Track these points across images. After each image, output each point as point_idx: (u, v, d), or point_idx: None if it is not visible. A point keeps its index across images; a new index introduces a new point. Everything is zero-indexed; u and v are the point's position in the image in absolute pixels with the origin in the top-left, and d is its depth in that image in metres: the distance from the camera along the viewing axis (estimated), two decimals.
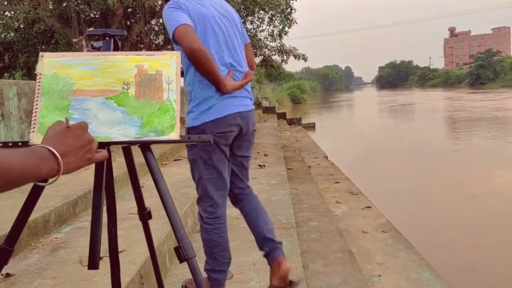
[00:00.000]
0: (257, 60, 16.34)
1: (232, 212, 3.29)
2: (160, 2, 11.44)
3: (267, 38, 15.71)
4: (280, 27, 15.08)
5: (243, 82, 1.87)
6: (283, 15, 14.56)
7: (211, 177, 1.83)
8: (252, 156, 6.44)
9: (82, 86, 0.97)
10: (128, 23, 12.22)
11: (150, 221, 1.20)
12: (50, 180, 0.76)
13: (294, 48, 16.13)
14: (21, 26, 12.37)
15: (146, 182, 3.09)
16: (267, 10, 14.25)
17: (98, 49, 1.04)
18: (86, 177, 3.36)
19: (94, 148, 0.82)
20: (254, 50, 15.19)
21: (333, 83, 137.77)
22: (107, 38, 1.04)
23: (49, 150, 0.73)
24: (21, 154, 0.67)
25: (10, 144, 0.96)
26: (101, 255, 0.98)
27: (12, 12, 11.30)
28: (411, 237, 3.85)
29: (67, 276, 1.77)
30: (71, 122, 0.80)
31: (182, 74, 1.93)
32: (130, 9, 12.07)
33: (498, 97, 31.73)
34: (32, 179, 0.70)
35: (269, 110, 19.22)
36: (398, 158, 11.05)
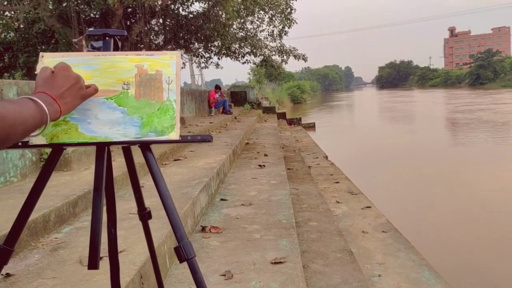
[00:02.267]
0: (257, 60, 16.36)
1: (232, 212, 3.30)
2: (160, 2, 11.44)
3: (267, 38, 15.73)
4: (280, 27, 15.09)
5: None
6: (283, 15, 14.57)
7: None
8: (252, 156, 6.46)
9: None
10: (128, 23, 12.22)
11: (150, 221, 1.20)
12: (51, 123, 0.80)
13: (294, 48, 16.14)
14: (21, 26, 12.37)
15: (146, 182, 3.09)
16: (267, 10, 14.26)
17: (98, 49, 1.04)
18: (86, 177, 3.36)
19: (83, 83, 0.87)
20: (254, 50, 15.21)
21: (333, 83, 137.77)
22: (107, 38, 1.04)
23: (48, 94, 0.78)
24: (31, 103, 0.72)
25: None
26: (101, 255, 0.98)
27: (12, 12, 11.30)
28: (411, 237, 3.85)
29: (67, 276, 1.77)
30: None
31: None
32: (130, 9, 12.07)
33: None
34: (42, 124, 0.74)
35: (269, 110, 19.21)
36: (398, 158, 11.04)
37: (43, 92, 0.77)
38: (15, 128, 0.64)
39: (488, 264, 4.43)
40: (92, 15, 12.40)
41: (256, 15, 14.69)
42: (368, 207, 4.68)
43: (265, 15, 14.82)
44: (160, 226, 2.28)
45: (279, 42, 15.72)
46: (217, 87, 14.09)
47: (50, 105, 0.76)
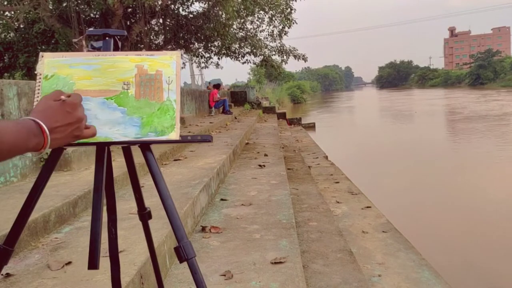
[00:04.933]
0: (257, 60, 16.36)
1: (232, 212, 3.30)
2: (160, 2, 11.44)
3: (267, 38, 15.72)
4: (280, 27, 15.09)
5: None
6: (283, 15, 14.57)
7: None
8: (252, 156, 6.45)
9: (82, 86, 0.97)
10: (128, 23, 12.22)
11: (150, 221, 1.20)
12: (34, 153, 0.77)
13: (294, 48, 16.14)
14: (21, 26, 12.38)
15: (146, 182, 3.09)
16: (267, 10, 14.26)
17: (98, 49, 1.04)
18: (86, 177, 3.36)
19: (83, 125, 0.83)
20: (254, 50, 15.22)
21: (333, 83, 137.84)
22: (107, 38, 1.04)
23: (38, 124, 0.73)
24: (13, 127, 0.68)
25: None
26: (101, 255, 0.98)
27: (12, 12, 11.30)
28: (411, 237, 3.85)
29: (67, 276, 1.77)
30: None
31: None
32: (130, 9, 12.07)
33: None
34: (20, 152, 0.70)
35: (269, 110, 19.22)
36: (398, 157, 11.05)
37: (33, 120, 0.72)
38: None
39: (488, 263, 4.43)
40: (92, 15, 12.41)
41: (256, 15, 14.69)
42: (368, 207, 4.68)
43: (265, 15, 14.82)
44: (160, 226, 2.28)
45: (279, 42, 15.72)
46: (217, 86, 14.09)
47: (35, 136, 0.71)
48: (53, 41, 12.32)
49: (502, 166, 9.42)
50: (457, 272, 4.17)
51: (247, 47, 15.32)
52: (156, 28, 13.96)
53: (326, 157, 8.59)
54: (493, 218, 5.90)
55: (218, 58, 15.83)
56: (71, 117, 0.79)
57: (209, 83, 17.04)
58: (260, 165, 5.28)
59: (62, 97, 0.80)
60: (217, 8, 12.58)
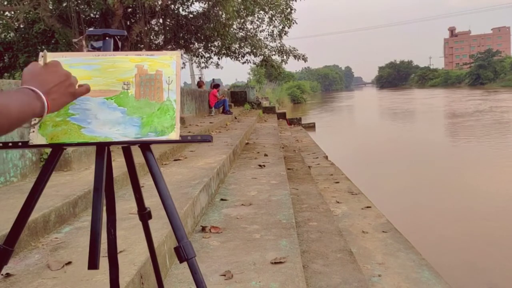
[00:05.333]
0: (257, 60, 16.36)
1: (232, 212, 3.30)
2: (160, 2, 11.44)
3: (267, 38, 15.72)
4: (280, 27, 15.09)
5: None
6: (283, 15, 14.57)
7: None
8: (252, 156, 6.45)
9: None
10: (128, 23, 12.22)
11: (150, 221, 1.20)
12: (37, 119, 0.78)
13: (294, 48, 16.13)
14: (21, 26, 12.37)
15: (146, 182, 3.10)
16: (267, 10, 14.26)
17: (98, 49, 1.04)
18: (86, 177, 3.36)
19: (74, 82, 0.85)
20: (254, 50, 15.22)
21: (333, 83, 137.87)
22: (107, 38, 1.04)
23: (33, 90, 0.75)
24: (18, 96, 0.71)
25: (10, 144, 0.96)
26: (101, 255, 0.98)
27: (12, 12, 11.29)
28: (411, 237, 3.85)
29: (67, 276, 1.77)
30: (47, 59, 0.82)
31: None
32: (130, 9, 12.06)
33: None
34: (28, 118, 0.72)
35: (269, 110, 19.21)
36: (398, 157, 11.05)
37: (28, 88, 0.75)
38: None
39: (488, 263, 4.43)
40: (92, 15, 12.41)
41: (256, 15, 14.68)
42: (368, 207, 4.68)
43: (265, 15, 14.82)
44: (160, 226, 2.28)
45: (279, 42, 15.72)
46: (216, 86, 14.09)
47: (37, 100, 0.74)
48: (53, 41, 12.31)
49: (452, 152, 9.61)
50: (457, 272, 4.17)
51: (247, 47, 15.32)
52: (156, 28, 13.96)
53: (326, 157, 8.59)
54: (495, 216, 5.90)
55: (218, 58, 15.82)
56: (59, 75, 0.82)
57: (200, 78, 16.97)
58: (260, 165, 5.28)
59: (41, 62, 0.82)
60: (217, 8, 12.58)
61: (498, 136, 13.84)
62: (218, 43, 14.41)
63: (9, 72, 12.89)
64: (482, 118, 19.72)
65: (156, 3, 10.87)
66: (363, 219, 4.27)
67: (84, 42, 8.69)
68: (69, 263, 1.91)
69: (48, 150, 0.84)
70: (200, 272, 0.96)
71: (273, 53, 16.04)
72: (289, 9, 14.47)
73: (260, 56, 15.89)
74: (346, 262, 2.72)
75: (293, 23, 14.79)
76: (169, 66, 1.02)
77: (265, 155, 6.15)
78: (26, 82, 0.78)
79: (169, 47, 13.53)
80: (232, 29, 14.15)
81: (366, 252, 3.40)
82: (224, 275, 2.13)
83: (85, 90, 0.89)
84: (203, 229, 2.88)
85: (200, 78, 17.55)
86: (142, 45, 12.80)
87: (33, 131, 0.95)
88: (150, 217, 1.19)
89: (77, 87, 0.87)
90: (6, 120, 0.65)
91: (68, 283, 1.70)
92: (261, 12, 14.42)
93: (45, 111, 0.76)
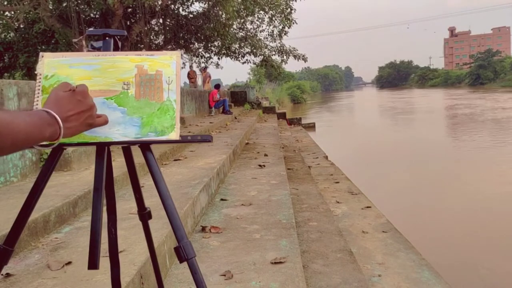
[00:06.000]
0: (257, 60, 16.36)
1: (232, 212, 3.30)
2: (160, 2, 11.44)
3: (267, 38, 15.73)
4: (280, 27, 15.10)
5: None
6: (283, 15, 14.57)
7: None
8: (252, 156, 6.44)
9: None
10: (128, 23, 12.22)
11: (150, 221, 1.20)
12: (50, 142, 0.78)
13: (294, 48, 16.14)
14: (21, 26, 12.38)
15: (146, 182, 3.10)
16: (267, 10, 14.26)
17: (98, 49, 1.04)
18: (86, 177, 3.36)
19: (95, 113, 0.85)
20: (254, 50, 15.22)
21: (333, 83, 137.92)
22: (107, 38, 1.04)
23: (51, 114, 0.75)
24: (26, 116, 0.70)
25: None
26: (101, 255, 0.98)
27: (12, 12, 11.30)
28: (411, 237, 3.85)
29: (67, 276, 1.77)
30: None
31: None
32: (130, 9, 12.07)
33: None
34: (35, 142, 0.72)
35: (269, 110, 19.21)
36: (398, 157, 11.05)
37: (45, 111, 0.75)
38: (0, 138, 0.62)
39: (487, 263, 4.43)
40: (92, 15, 12.41)
41: (256, 15, 14.69)
42: (368, 207, 4.68)
43: (265, 15, 14.82)
44: (160, 226, 2.28)
45: (279, 42, 15.73)
46: (217, 86, 14.10)
47: (49, 125, 0.73)
48: (53, 41, 12.32)
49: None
50: (457, 272, 4.17)
51: (247, 47, 15.32)
52: (156, 28, 13.96)
53: (326, 157, 8.59)
54: (495, 216, 5.90)
55: (218, 58, 15.83)
56: (83, 105, 0.81)
57: (190, 67, 16.74)
58: (260, 165, 5.28)
59: (71, 86, 0.82)
60: (217, 8, 12.58)
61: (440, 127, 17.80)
62: (218, 43, 14.42)
63: (9, 72, 12.90)
64: (443, 113, 24.42)
65: (156, 3, 10.87)
66: (363, 219, 4.27)
67: (84, 42, 8.70)
68: (69, 263, 1.91)
69: (48, 150, 0.84)
70: (200, 272, 0.96)
71: (273, 53, 16.05)
72: (289, 9, 14.47)
73: (260, 56, 15.89)
74: (346, 262, 2.72)
75: (293, 23, 14.80)
76: (169, 66, 1.02)
77: (265, 155, 6.15)
78: (48, 103, 0.78)
79: (169, 47, 13.53)
80: (232, 29, 14.15)
81: (366, 252, 3.40)
82: (224, 275, 2.13)
83: (104, 121, 0.89)
84: (203, 229, 2.88)
85: (191, 67, 17.14)
86: (142, 45, 12.80)
87: None
88: (150, 217, 1.19)
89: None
90: (10, 138, 0.64)
91: (68, 283, 1.70)
92: (261, 12, 14.43)
93: (59, 137, 0.76)
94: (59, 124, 0.75)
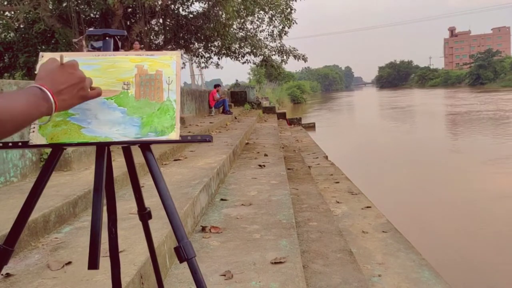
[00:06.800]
0: (257, 60, 16.37)
1: (232, 212, 3.30)
2: (160, 2, 11.44)
3: (267, 38, 15.74)
4: (280, 27, 15.11)
5: None
6: (283, 15, 14.58)
7: None
8: (252, 156, 6.43)
9: None
10: (128, 23, 12.23)
11: (150, 221, 1.20)
12: (46, 118, 0.78)
13: (294, 48, 16.15)
14: (21, 26, 12.38)
15: (146, 182, 3.10)
16: (267, 10, 14.27)
17: (98, 49, 1.04)
18: (86, 177, 3.36)
19: (88, 85, 0.85)
20: (254, 50, 15.22)
21: (333, 83, 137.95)
22: (107, 38, 1.04)
23: (43, 90, 0.75)
24: (22, 97, 0.70)
25: (10, 144, 0.96)
26: (101, 255, 0.98)
27: (12, 12, 11.30)
28: (410, 237, 3.85)
29: (67, 276, 1.77)
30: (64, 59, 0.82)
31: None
32: (130, 9, 12.07)
33: None
34: (34, 119, 0.73)
35: (269, 110, 19.21)
36: (398, 156, 11.05)
37: (37, 87, 0.75)
38: (1, 124, 0.63)
39: (488, 263, 4.43)
40: (92, 15, 12.41)
41: (256, 15, 14.70)
42: (368, 207, 4.68)
43: (265, 15, 14.84)
44: (160, 226, 2.28)
45: (279, 42, 15.74)
46: (216, 86, 14.11)
47: (44, 100, 0.74)
48: (53, 41, 12.32)
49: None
50: (457, 272, 4.17)
51: (247, 47, 15.33)
52: (156, 28, 13.97)
53: (326, 157, 8.59)
54: (495, 216, 5.90)
55: (218, 58, 15.84)
56: (74, 78, 0.81)
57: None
58: (260, 165, 5.28)
59: (61, 59, 0.82)
60: (217, 8, 12.58)
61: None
62: (218, 43, 14.42)
63: (9, 72, 12.90)
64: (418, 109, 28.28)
65: (156, 3, 10.88)
66: (363, 219, 4.27)
67: (84, 42, 8.70)
68: (69, 263, 1.91)
69: (48, 150, 0.84)
70: (200, 272, 0.96)
71: (273, 53, 16.07)
72: (289, 9, 14.48)
73: (260, 56, 15.91)
74: (346, 262, 2.72)
75: (293, 23, 14.81)
76: (169, 66, 1.02)
77: (265, 155, 6.15)
78: (39, 79, 0.78)
79: (169, 47, 13.54)
80: (232, 29, 14.16)
81: (366, 252, 3.40)
82: (224, 275, 2.13)
83: (96, 94, 0.89)
84: (203, 229, 2.88)
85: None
86: (142, 45, 12.80)
87: (33, 131, 0.95)
88: (150, 217, 1.19)
89: (89, 89, 0.87)
90: (11, 122, 0.65)
91: (68, 283, 1.70)
92: (261, 12, 14.44)
93: (52, 111, 0.77)
94: (54, 97, 0.76)
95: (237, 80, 22.92)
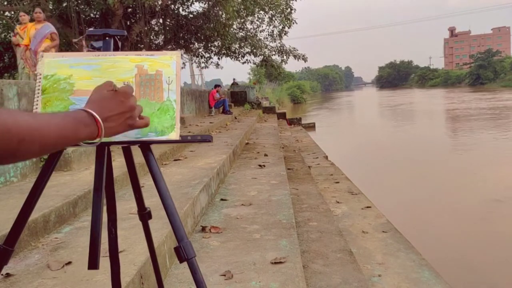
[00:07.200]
0: (257, 60, 16.38)
1: (232, 212, 3.30)
2: (160, 2, 11.44)
3: (267, 38, 15.75)
4: (280, 27, 15.12)
5: None
6: (283, 15, 14.59)
7: None
8: (252, 156, 6.44)
9: (83, 86, 0.97)
10: (128, 23, 12.23)
11: (150, 221, 1.20)
12: (90, 141, 0.77)
13: (294, 48, 16.16)
14: None
15: (146, 182, 3.10)
16: (267, 10, 14.28)
17: (98, 49, 1.04)
18: (86, 177, 3.36)
19: (137, 114, 0.84)
20: (254, 50, 15.23)
21: (333, 83, 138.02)
22: (107, 38, 1.04)
23: (90, 114, 0.74)
24: (60, 120, 0.69)
25: None
26: (101, 255, 0.98)
27: (12, 12, 11.30)
28: (410, 237, 3.85)
29: (67, 276, 1.77)
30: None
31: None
32: (130, 9, 12.07)
33: None
34: (69, 143, 0.71)
35: (269, 110, 19.21)
36: (398, 156, 11.05)
37: (85, 111, 0.74)
38: (25, 144, 0.60)
39: (488, 263, 4.43)
40: (92, 15, 12.42)
41: (256, 15, 14.71)
42: (368, 207, 4.68)
43: (265, 15, 14.85)
44: (160, 226, 2.28)
45: (279, 42, 15.75)
46: (216, 86, 14.11)
47: (85, 126, 0.73)
48: None
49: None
50: (457, 272, 4.17)
51: (247, 47, 15.34)
52: (156, 28, 13.97)
53: (326, 157, 8.59)
54: (495, 216, 5.90)
55: (218, 58, 15.85)
56: (124, 106, 0.80)
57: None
58: (260, 165, 5.28)
59: (114, 86, 0.81)
60: (217, 8, 12.59)
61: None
62: (218, 43, 14.43)
63: (9, 72, 12.90)
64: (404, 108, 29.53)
65: (156, 3, 10.88)
66: (363, 219, 4.27)
67: (84, 42, 8.70)
68: (69, 263, 1.91)
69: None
70: (200, 272, 0.96)
71: (273, 53, 16.08)
72: (289, 9, 14.49)
73: (260, 56, 15.92)
74: (346, 262, 2.72)
75: (293, 23, 14.82)
76: (169, 66, 1.02)
77: (265, 155, 6.15)
78: (90, 102, 0.78)
79: (169, 47, 13.54)
80: (232, 29, 14.16)
81: (366, 252, 3.40)
82: (224, 275, 2.13)
83: (144, 124, 0.87)
84: (203, 229, 2.88)
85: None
86: (142, 45, 12.81)
87: None
88: (150, 217, 1.19)
89: (137, 118, 0.85)
90: (38, 144, 0.63)
91: (68, 283, 1.70)
92: (261, 12, 14.45)
93: (99, 137, 0.76)
94: (99, 124, 0.75)
95: (234, 79, 22.64)
